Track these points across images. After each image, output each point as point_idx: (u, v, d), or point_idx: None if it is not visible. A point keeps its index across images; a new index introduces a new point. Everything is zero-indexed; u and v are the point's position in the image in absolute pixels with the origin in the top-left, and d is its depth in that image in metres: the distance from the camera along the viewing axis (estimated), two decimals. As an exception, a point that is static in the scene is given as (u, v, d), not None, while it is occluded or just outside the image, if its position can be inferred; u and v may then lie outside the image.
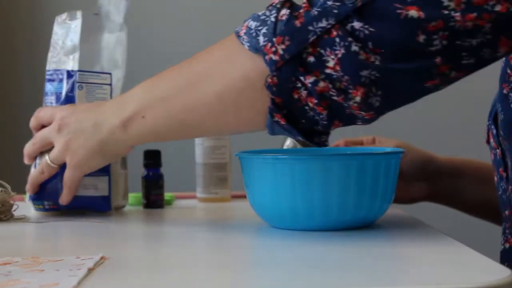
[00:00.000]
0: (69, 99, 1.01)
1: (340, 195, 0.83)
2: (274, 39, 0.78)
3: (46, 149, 0.97)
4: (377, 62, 0.76)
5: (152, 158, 1.13)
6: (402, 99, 0.80)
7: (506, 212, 0.93)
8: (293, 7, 0.79)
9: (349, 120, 0.81)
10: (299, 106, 0.80)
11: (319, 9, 0.77)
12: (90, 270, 0.64)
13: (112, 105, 0.93)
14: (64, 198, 0.96)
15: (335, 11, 0.76)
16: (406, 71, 0.76)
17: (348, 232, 0.84)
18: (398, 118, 2.03)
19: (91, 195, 1.00)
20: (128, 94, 0.92)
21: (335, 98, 0.78)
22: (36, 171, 0.97)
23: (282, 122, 0.81)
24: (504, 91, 0.88)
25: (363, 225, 0.86)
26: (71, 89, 1.01)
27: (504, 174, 0.93)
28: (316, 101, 0.78)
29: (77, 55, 1.02)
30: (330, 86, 0.77)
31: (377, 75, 0.76)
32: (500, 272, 0.62)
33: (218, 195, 1.16)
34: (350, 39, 0.75)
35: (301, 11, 0.78)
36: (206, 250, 0.81)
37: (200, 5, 2.05)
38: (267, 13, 0.80)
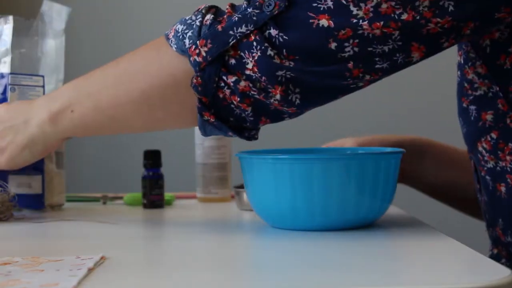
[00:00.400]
0: (2, 101, 1.04)
1: (340, 195, 0.83)
2: (198, 42, 0.82)
3: None
4: (291, 66, 0.80)
5: (152, 158, 1.13)
6: (322, 96, 0.84)
7: (485, 222, 0.94)
8: (218, 13, 0.84)
9: (276, 115, 0.84)
10: (225, 104, 0.83)
11: (239, 15, 0.81)
12: (90, 270, 0.64)
13: (42, 101, 0.95)
14: None
15: (254, 18, 0.80)
16: (320, 73, 0.80)
17: (348, 232, 0.84)
18: (395, 119, 2.04)
19: (25, 193, 1.04)
20: (58, 90, 0.95)
21: (256, 96, 0.82)
22: None
23: (212, 120, 0.84)
24: (464, 105, 0.90)
25: (363, 225, 0.86)
26: (4, 91, 1.05)
27: (478, 186, 0.94)
28: (239, 99, 0.82)
29: (8, 58, 1.06)
30: (251, 85, 0.81)
31: (292, 75, 0.80)
32: (500, 272, 0.62)
33: (218, 195, 1.16)
34: (266, 44, 0.79)
35: (224, 16, 0.82)
36: (206, 250, 0.81)
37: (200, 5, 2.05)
38: (193, 17, 0.84)
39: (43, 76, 1.08)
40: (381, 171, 0.84)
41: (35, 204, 1.05)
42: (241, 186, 1.08)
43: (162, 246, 0.83)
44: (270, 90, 0.81)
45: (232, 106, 0.83)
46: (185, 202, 1.19)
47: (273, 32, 0.79)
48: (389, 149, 0.94)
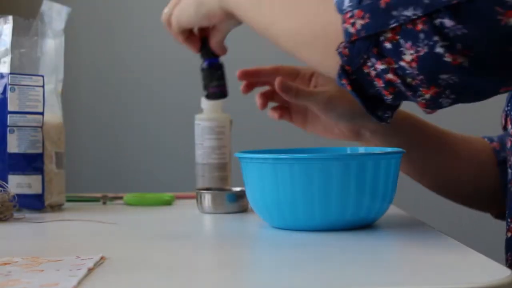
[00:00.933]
0: (2, 101, 1.05)
1: (340, 195, 0.83)
2: (355, 11, 0.74)
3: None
4: (464, 64, 0.71)
5: (207, 46, 1.04)
6: (470, 100, 0.77)
7: None
8: None
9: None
10: (368, 79, 0.77)
11: None
12: (90, 270, 0.64)
13: None
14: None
15: (426, 1, 0.70)
16: (490, 78, 0.73)
17: (348, 232, 0.84)
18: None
19: (24, 193, 1.04)
20: None
21: (402, 89, 0.76)
22: None
23: (348, 88, 0.79)
24: None
25: (363, 225, 0.86)
26: (3, 91, 1.05)
27: None
28: (383, 85, 0.76)
29: (8, 58, 1.07)
30: (400, 80, 0.74)
31: (456, 80, 0.72)
32: (500, 272, 0.62)
33: (218, 195, 1.16)
34: (436, 38, 0.70)
35: None
36: (206, 250, 0.81)
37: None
38: None
39: (42, 76, 1.08)
40: (381, 171, 0.84)
41: (35, 204, 1.05)
42: (204, 189, 1.08)
43: (162, 246, 0.83)
44: (421, 90, 0.74)
45: (375, 83, 0.77)
46: (185, 202, 1.19)
47: (448, 22, 0.69)
48: (389, 149, 0.94)
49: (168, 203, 1.14)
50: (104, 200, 1.19)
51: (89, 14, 2.07)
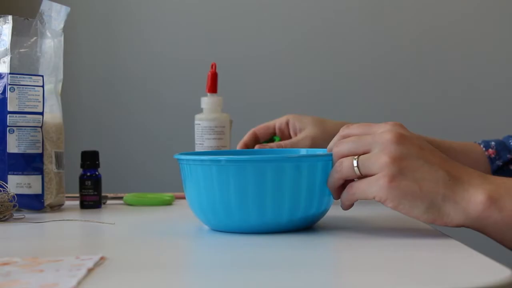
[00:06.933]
0: (1, 101, 1.05)
1: (273, 197, 0.82)
2: None
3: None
4: None
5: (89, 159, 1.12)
6: None
7: None
8: None
9: None
10: None
11: None
12: (89, 271, 0.64)
13: (473, 173, 0.81)
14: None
15: None
16: None
17: (348, 232, 0.84)
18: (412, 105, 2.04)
19: (24, 193, 1.04)
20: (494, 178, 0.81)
21: None
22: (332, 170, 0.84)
23: None
24: None
25: (303, 226, 0.85)
26: (3, 91, 1.06)
27: None
28: None
29: (7, 58, 1.07)
30: None
31: None
32: (500, 272, 0.62)
33: (218, 195, 1.16)
34: None
35: None
36: (206, 250, 0.81)
37: (200, 5, 2.05)
38: None
39: (42, 76, 1.08)
40: (317, 172, 0.83)
41: (34, 204, 1.05)
42: None
43: (162, 246, 0.83)
44: None
45: None
46: (185, 202, 1.19)
47: None
48: (320, 151, 0.94)
49: (168, 203, 1.14)
50: (104, 200, 1.19)
51: (89, 14, 2.07)
